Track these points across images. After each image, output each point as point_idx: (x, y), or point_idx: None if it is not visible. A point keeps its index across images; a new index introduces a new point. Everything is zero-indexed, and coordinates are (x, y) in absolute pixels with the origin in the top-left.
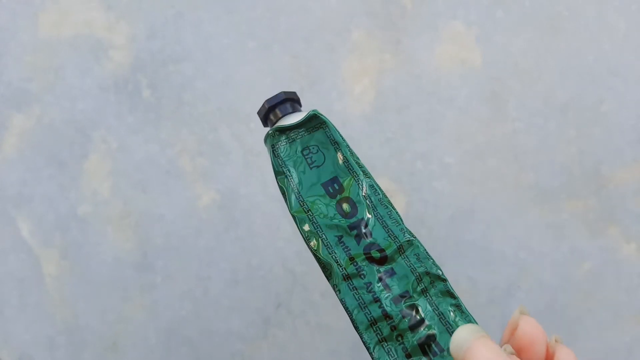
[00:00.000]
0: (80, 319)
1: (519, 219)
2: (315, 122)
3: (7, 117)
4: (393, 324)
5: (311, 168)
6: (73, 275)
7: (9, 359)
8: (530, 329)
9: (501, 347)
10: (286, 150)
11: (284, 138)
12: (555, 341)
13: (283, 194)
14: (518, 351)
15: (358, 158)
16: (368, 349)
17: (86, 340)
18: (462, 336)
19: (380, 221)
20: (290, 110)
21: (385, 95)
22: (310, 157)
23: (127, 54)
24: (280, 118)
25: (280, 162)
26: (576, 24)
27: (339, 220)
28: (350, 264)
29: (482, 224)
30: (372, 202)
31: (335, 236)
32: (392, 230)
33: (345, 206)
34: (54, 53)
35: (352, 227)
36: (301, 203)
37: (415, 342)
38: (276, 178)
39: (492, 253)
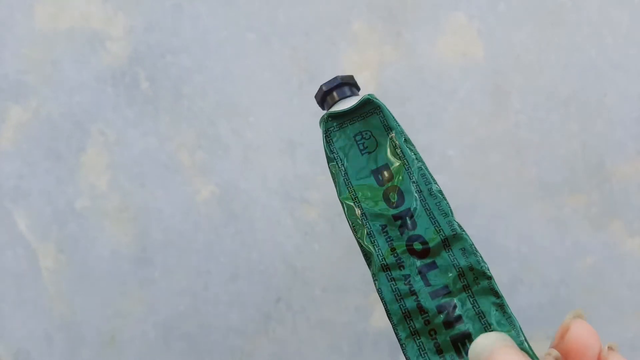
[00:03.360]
0: (77, 314)
1: (521, 213)
2: (369, 107)
3: (3, 110)
4: (427, 318)
5: (362, 154)
6: (70, 270)
7: (5, 354)
8: (584, 334)
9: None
10: (339, 135)
11: (336, 124)
12: (610, 349)
13: (334, 179)
14: (566, 356)
15: (412, 144)
16: (399, 340)
17: (84, 335)
18: (482, 345)
19: (427, 212)
20: (348, 94)
21: (386, 88)
22: (363, 143)
23: (125, 46)
24: (336, 102)
25: (332, 147)
26: (578, 16)
27: (385, 210)
28: (391, 254)
29: (484, 218)
30: (421, 191)
31: (380, 225)
32: (438, 223)
33: (392, 195)
34: (50, 45)
35: (396, 217)
36: (349, 190)
37: (448, 339)
38: (328, 164)
39: (494, 247)
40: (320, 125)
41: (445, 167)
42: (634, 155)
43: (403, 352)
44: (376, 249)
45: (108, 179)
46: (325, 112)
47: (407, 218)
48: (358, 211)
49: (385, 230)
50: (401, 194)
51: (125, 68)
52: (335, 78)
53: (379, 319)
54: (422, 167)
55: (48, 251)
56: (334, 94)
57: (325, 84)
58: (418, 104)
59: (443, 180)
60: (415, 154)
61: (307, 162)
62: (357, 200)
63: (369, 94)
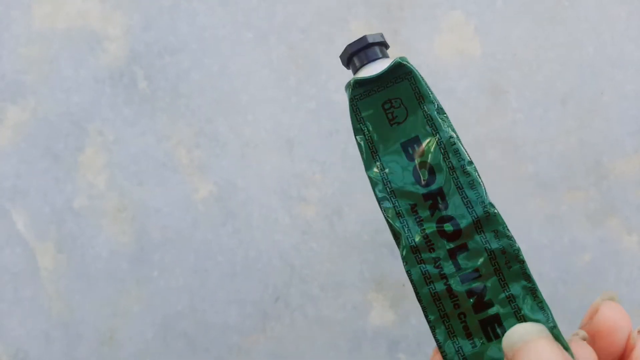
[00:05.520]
0: (75, 313)
1: (519, 211)
2: (400, 71)
3: (1, 110)
4: (457, 302)
5: (392, 125)
6: (69, 269)
7: (4, 354)
8: (613, 315)
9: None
10: (366, 103)
11: (363, 91)
12: (639, 333)
13: (361, 153)
14: (593, 337)
15: (445, 114)
16: (429, 322)
17: (82, 334)
18: (518, 334)
19: (459, 191)
20: (379, 56)
21: None
22: (392, 112)
23: (122, 45)
24: (364, 65)
25: (358, 117)
26: (576, 13)
27: (415, 188)
28: (420, 236)
29: None
30: (453, 168)
31: (409, 204)
32: (471, 202)
33: (422, 172)
34: (48, 45)
35: (427, 197)
36: (377, 164)
37: (477, 322)
38: (355, 136)
39: None
40: (346, 90)
41: None
42: (631, 152)
43: (432, 335)
44: (405, 230)
45: (106, 178)
46: (352, 76)
47: (439, 198)
48: (386, 188)
49: (414, 210)
50: (432, 171)
51: (123, 67)
52: (363, 38)
53: (377, 317)
54: (456, 141)
55: (46, 250)
56: (361, 56)
57: (351, 44)
58: None
59: None
60: (449, 126)
61: (305, 160)
62: (385, 175)
63: (400, 57)
